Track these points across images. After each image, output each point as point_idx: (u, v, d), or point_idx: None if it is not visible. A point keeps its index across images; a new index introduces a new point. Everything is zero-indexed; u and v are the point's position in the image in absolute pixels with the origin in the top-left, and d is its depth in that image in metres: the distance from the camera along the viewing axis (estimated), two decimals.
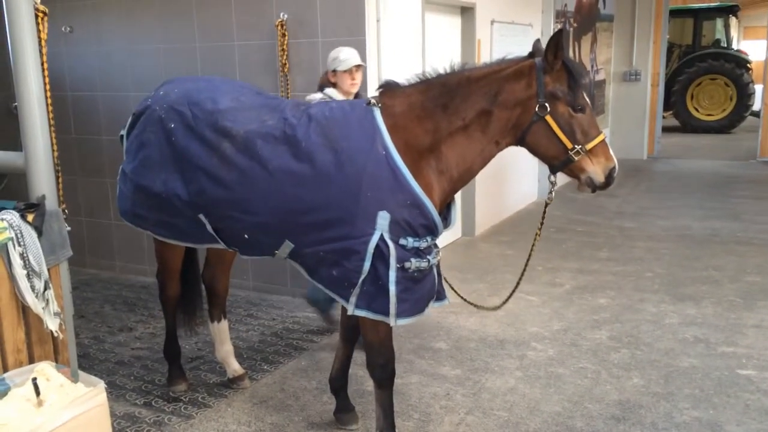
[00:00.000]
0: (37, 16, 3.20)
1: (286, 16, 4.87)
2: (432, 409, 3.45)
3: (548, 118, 2.68)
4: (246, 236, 2.90)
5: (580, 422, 3.33)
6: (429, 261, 2.75)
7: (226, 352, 3.73)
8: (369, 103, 2.76)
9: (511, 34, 7.28)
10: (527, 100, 2.69)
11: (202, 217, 2.96)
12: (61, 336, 3.22)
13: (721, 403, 3.46)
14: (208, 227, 2.98)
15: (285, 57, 4.92)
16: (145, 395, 3.65)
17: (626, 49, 11.31)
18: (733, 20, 17.56)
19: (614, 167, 2.74)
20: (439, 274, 2.96)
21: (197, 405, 3.55)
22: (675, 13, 15.73)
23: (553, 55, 2.65)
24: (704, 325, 4.47)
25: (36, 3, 3.17)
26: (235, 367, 3.74)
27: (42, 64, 3.26)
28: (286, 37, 4.90)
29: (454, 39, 6.51)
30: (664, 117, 15.61)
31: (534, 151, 2.80)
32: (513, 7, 7.40)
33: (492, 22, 6.85)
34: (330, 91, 3.83)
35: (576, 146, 2.68)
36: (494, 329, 4.48)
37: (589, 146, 2.69)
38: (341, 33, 4.80)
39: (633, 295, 5.08)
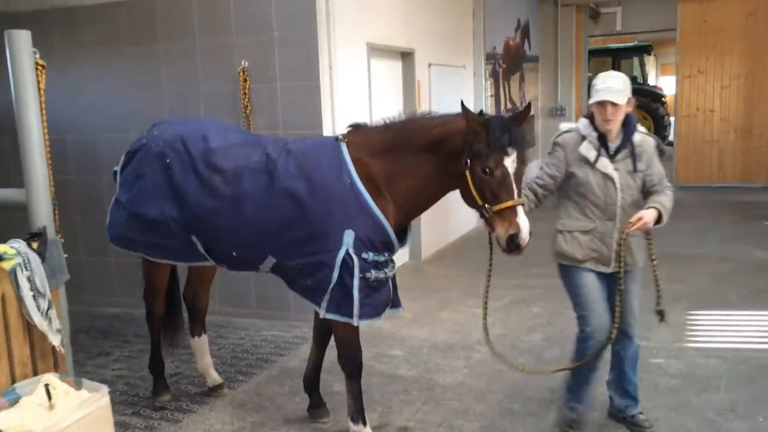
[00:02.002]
0: (36, 69, 3.64)
1: (246, 63, 5.41)
2: (393, 403, 3.96)
3: (467, 173, 3.05)
4: (234, 254, 3.39)
5: (519, 405, 3.90)
6: (386, 273, 3.29)
7: (206, 363, 4.15)
8: (338, 139, 3.32)
9: (446, 75, 8.02)
10: (459, 154, 3.07)
11: (194, 238, 3.43)
12: (62, 350, 3.59)
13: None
14: (200, 247, 3.45)
15: (246, 100, 5.45)
16: (133, 406, 4.03)
17: (551, 86, 12.30)
18: (649, 58, 19.12)
19: (515, 234, 2.95)
20: (395, 286, 3.50)
21: (183, 411, 3.96)
22: (596, 53, 17.04)
23: (467, 119, 3.03)
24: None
25: (36, 58, 3.61)
26: (214, 376, 4.16)
27: (41, 111, 3.67)
28: (248, 82, 5.43)
29: (397, 80, 7.18)
30: None
31: (463, 199, 3.25)
32: (447, 51, 8.15)
33: (429, 65, 7.56)
34: (582, 122, 3.34)
35: (486, 204, 3.03)
36: (443, 337, 5.04)
37: (495, 208, 2.99)
38: (297, 77, 5.36)
39: (562, 304, 5.71)
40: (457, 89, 8.30)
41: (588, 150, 3.24)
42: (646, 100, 16.11)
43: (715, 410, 3.74)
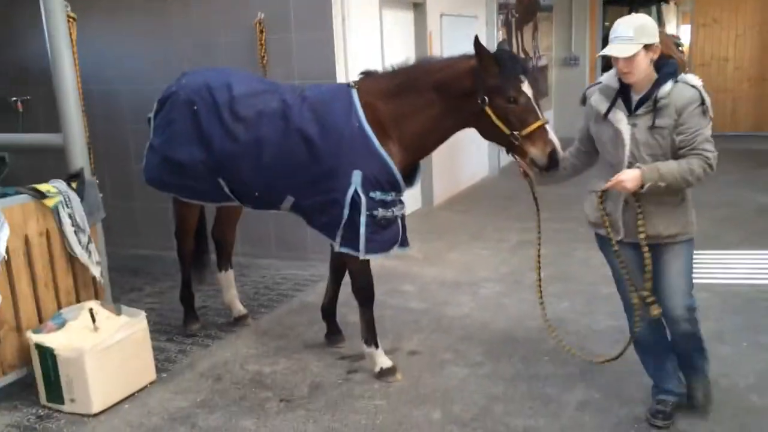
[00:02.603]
0: (68, 21, 3.89)
1: (263, 15, 5.61)
2: (403, 332, 4.29)
3: (487, 108, 3.23)
4: (256, 194, 3.68)
5: (521, 333, 4.21)
6: (393, 212, 3.54)
7: (232, 296, 4.50)
8: (350, 85, 3.55)
9: (458, 26, 8.13)
10: (471, 93, 3.26)
11: (220, 180, 3.72)
12: (101, 281, 3.94)
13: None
14: (226, 188, 3.74)
15: (263, 51, 5.66)
16: (167, 334, 4.40)
17: (565, 36, 12.29)
18: (669, 7, 18.84)
19: (553, 150, 3.12)
20: (404, 226, 3.73)
21: (211, 338, 4.32)
22: (613, 2, 16.83)
23: (480, 57, 3.23)
24: None
25: (67, 11, 3.86)
26: (239, 308, 4.51)
27: (74, 61, 3.94)
28: (264, 33, 5.64)
29: (408, 31, 7.32)
30: None
31: (484, 136, 3.46)
32: (459, 1, 8.24)
33: (441, 15, 7.68)
34: (609, 72, 3.03)
35: (514, 132, 3.18)
36: (451, 275, 5.34)
37: (525, 132, 3.15)
38: (311, 28, 5.56)
39: (567, 245, 6.00)
40: (468, 39, 8.38)
41: (599, 102, 2.96)
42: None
43: (704, 337, 4.02)
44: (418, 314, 4.57)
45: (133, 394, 3.59)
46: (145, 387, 3.68)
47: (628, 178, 2.80)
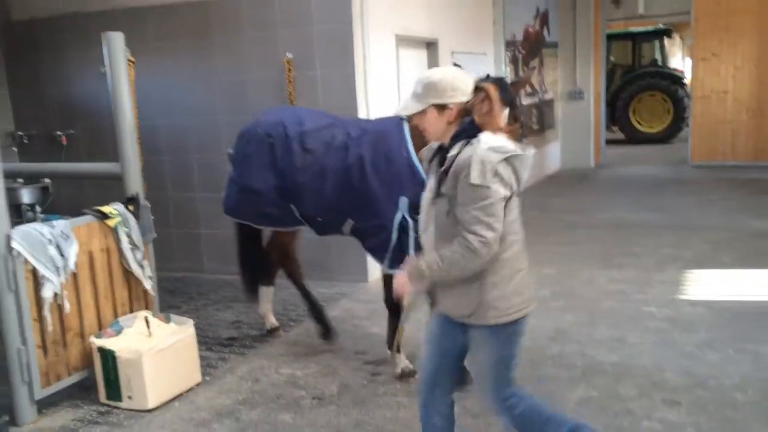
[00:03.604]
0: (128, 64, 4.42)
1: (291, 54, 6.16)
2: (420, 341, 4.70)
3: None
4: (319, 219, 4.15)
5: (528, 342, 4.57)
6: None
7: (267, 309, 4.95)
8: (402, 118, 3.92)
9: (468, 62, 8.66)
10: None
11: (292, 206, 4.20)
12: (152, 293, 4.41)
13: (629, 327, 4.79)
14: (296, 213, 4.21)
15: (291, 86, 6.20)
16: (205, 344, 4.83)
17: (570, 71, 12.86)
18: (674, 41, 19.48)
19: None
20: None
21: (247, 347, 4.77)
22: (617, 37, 17.47)
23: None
24: (624, 282, 5.83)
25: (128, 55, 4.40)
26: (272, 320, 4.96)
27: (132, 99, 4.45)
28: (292, 71, 6.18)
29: (422, 68, 7.85)
30: (612, 131, 17.27)
31: None
32: (469, 39, 8.80)
33: (452, 52, 8.24)
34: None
35: None
36: None
37: None
38: (334, 66, 6.10)
39: (571, 265, 6.43)
40: (477, 75, 8.95)
41: (422, 163, 2.92)
42: (666, 82, 16.52)
43: (695, 345, 4.42)
44: None
45: (181, 394, 4.03)
46: (192, 388, 4.12)
47: (398, 282, 2.59)
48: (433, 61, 7.94)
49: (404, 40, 7.16)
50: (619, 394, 3.83)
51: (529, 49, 11.00)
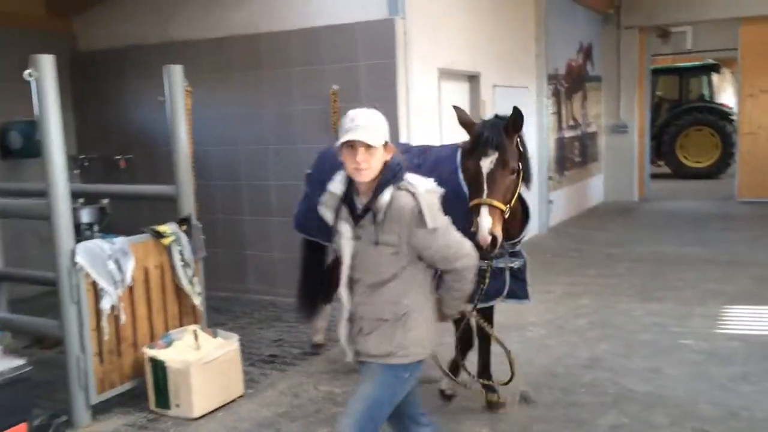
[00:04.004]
0: (186, 94, 4.75)
1: (337, 87, 6.45)
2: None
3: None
4: None
5: (562, 369, 4.70)
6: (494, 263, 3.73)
7: (321, 325, 5.16)
8: (458, 146, 4.03)
9: (510, 95, 8.84)
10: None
11: None
12: (200, 309, 4.66)
13: (664, 358, 4.82)
14: None
15: (336, 117, 6.47)
16: (248, 361, 5.03)
17: (614, 105, 12.90)
18: (723, 76, 19.32)
19: (474, 232, 3.24)
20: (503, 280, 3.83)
21: (288, 364, 4.97)
22: (664, 72, 17.44)
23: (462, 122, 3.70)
24: (662, 315, 5.84)
25: (186, 86, 4.72)
26: (321, 337, 5.15)
27: (188, 127, 4.76)
28: (337, 102, 6.46)
29: (464, 100, 8.07)
30: (658, 165, 17.14)
31: None
32: (511, 73, 8.99)
33: (494, 86, 8.44)
34: (338, 174, 2.79)
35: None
36: (500, 319, 5.82)
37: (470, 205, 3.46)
38: (379, 99, 6.34)
39: (611, 298, 6.45)
40: (519, 108, 9.13)
41: (325, 212, 2.71)
42: (714, 117, 16.37)
43: (729, 378, 4.43)
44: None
45: (225, 404, 4.23)
46: (235, 399, 4.32)
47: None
48: (475, 94, 8.15)
49: (447, 74, 7.39)
50: (650, 422, 3.87)
51: (572, 82, 11.13)
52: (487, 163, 3.38)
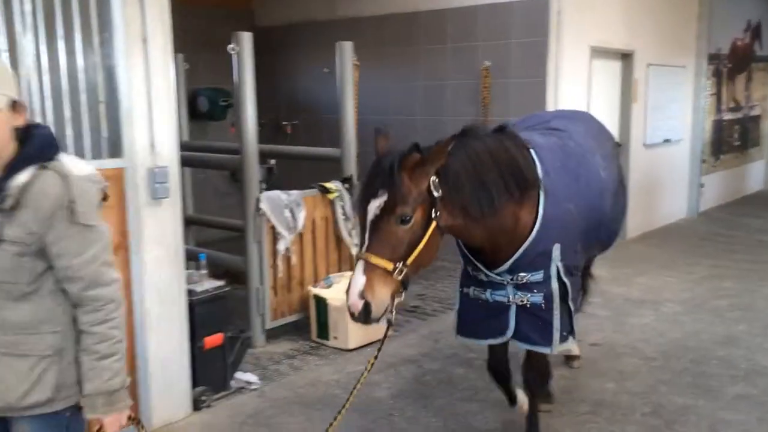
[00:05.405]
0: (354, 68, 5.32)
1: (489, 63, 6.78)
2: (587, 329, 5.09)
3: None
4: None
5: (694, 343, 4.82)
6: (485, 296, 3.01)
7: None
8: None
9: (664, 75, 8.69)
10: None
11: None
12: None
13: None
14: None
15: (486, 92, 6.82)
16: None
17: None
18: None
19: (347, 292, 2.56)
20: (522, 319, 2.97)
21: (428, 315, 5.48)
22: None
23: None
24: None
25: (354, 60, 5.29)
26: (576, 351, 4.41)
27: (354, 96, 5.34)
28: (488, 78, 6.80)
29: (615, 79, 8.07)
30: None
31: None
32: (667, 52, 8.80)
33: (648, 65, 8.33)
34: None
35: None
36: (637, 294, 6.01)
37: None
38: (527, 75, 6.62)
39: (756, 281, 6.34)
40: (674, 88, 8.95)
41: None
42: None
43: None
44: (602, 319, 5.34)
45: (375, 342, 4.82)
46: (379, 340, 4.89)
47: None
48: (627, 72, 8.12)
49: (599, 51, 7.46)
50: None
51: (736, 62, 10.60)
52: (373, 208, 2.52)
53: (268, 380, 4.28)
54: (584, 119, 3.93)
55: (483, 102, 6.85)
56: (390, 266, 2.49)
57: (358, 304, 2.48)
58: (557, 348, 2.99)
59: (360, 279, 2.48)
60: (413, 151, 2.55)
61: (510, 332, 3.00)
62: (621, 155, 7.62)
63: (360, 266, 2.51)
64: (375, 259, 2.48)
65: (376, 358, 2.87)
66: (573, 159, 3.18)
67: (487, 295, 3.00)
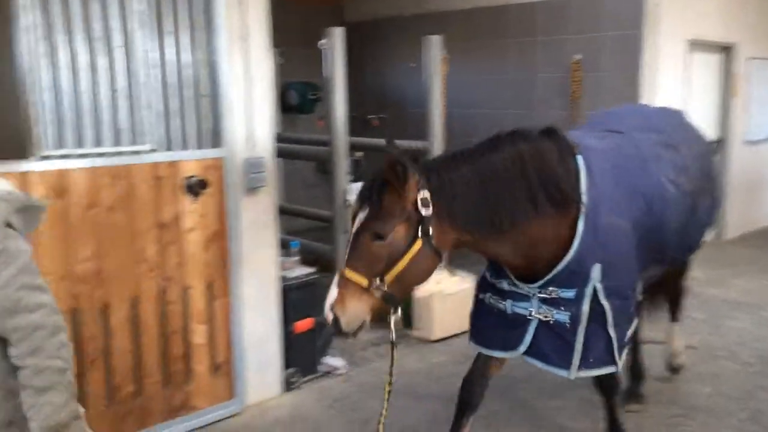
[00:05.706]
0: (443, 61, 5.35)
1: (579, 56, 6.64)
2: (683, 331, 4.92)
3: None
4: None
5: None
6: (504, 305, 2.82)
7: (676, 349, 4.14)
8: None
9: (767, 69, 8.22)
10: None
11: None
12: None
13: None
14: None
15: (576, 86, 6.69)
16: None
17: None
18: None
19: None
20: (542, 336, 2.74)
21: None
22: None
23: None
24: None
25: (443, 54, 5.32)
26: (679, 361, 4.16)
27: (442, 90, 5.37)
28: (579, 72, 6.66)
29: (714, 73, 7.72)
30: None
31: None
32: None
33: (750, 59, 7.91)
34: None
35: None
36: (734, 296, 5.76)
37: None
38: (620, 68, 6.44)
39: None
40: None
41: None
42: None
43: None
44: (698, 322, 5.15)
45: (458, 334, 4.85)
46: (466, 331, 4.91)
47: None
48: (727, 66, 7.76)
49: (696, 45, 7.16)
50: None
51: None
52: (356, 222, 2.48)
53: (354, 365, 4.40)
54: (663, 116, 3.54)
55: (572, 96, 6.72)
56: (365, 282, 2.43)
57: (329, 317, 2.46)
58: (574, 374, 2.69)
59: (333, 293, 2.46)
60: (403, 166, 2.38)
61: (523, 348, 2.77)
62: (718, 152, 7.32)
63: (335, 280, 2.49)
64: (349, 274, 2.43)
65: (390, 384, 2.72)
66: (628, 167, 2.89)
67: (507, 305, 2.81)
